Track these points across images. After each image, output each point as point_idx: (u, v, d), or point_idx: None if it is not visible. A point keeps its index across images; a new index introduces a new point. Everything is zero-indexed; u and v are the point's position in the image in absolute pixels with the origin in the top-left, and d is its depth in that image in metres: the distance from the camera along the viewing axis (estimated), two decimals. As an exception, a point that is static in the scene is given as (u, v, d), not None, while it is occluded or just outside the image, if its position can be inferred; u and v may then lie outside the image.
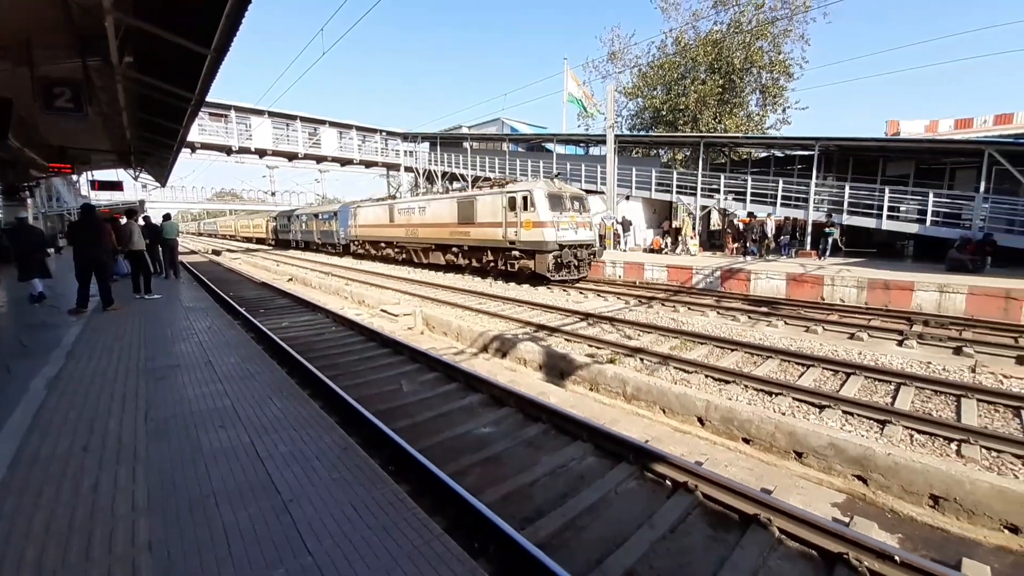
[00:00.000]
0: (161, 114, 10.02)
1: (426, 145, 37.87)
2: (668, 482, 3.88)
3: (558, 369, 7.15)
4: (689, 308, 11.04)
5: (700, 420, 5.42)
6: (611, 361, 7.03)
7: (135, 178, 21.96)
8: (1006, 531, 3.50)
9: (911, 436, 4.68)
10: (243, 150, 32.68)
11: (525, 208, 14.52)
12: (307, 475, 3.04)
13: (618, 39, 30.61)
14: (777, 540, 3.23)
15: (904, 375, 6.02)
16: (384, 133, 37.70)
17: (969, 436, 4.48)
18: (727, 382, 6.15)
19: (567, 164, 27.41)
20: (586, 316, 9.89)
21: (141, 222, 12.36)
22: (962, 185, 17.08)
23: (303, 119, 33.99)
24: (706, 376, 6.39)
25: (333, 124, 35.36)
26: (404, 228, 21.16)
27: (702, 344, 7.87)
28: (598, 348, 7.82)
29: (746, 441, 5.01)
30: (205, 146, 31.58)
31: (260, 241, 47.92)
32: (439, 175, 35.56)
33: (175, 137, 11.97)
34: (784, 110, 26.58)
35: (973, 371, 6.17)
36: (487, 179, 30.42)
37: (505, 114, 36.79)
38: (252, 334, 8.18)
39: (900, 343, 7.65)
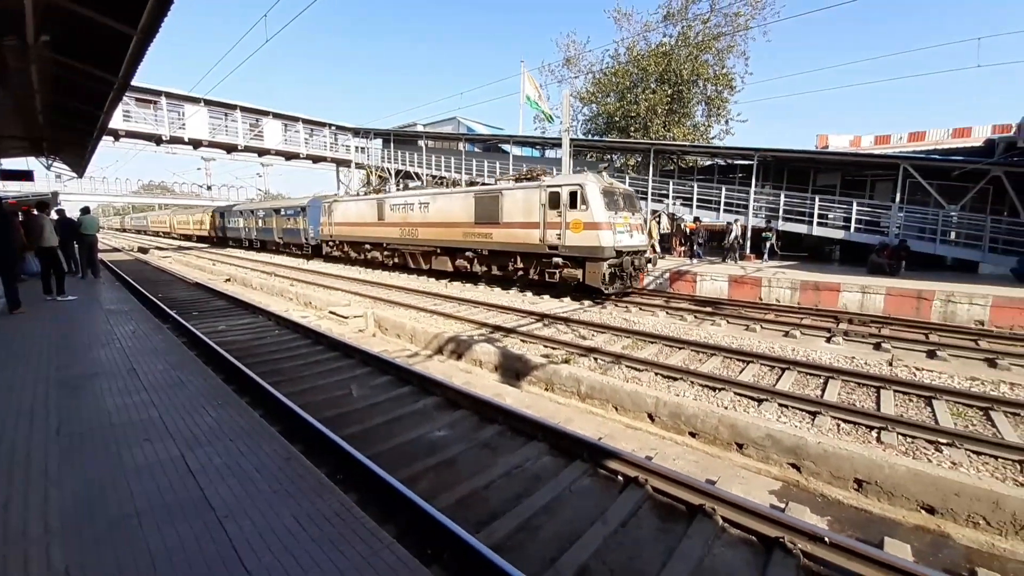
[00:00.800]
0: (80, 98, 9.07)
1: (379, 142, 36.83)
2: (620, 477, 3.96)
3: (514, 370, 7.15)
4: (640, 308, 11.41)
5: (650, 416, 5.60)
6: (566, 361, 7.12)
7: (48, 167, 19.84)
8: (923, 511, 3.86)
9: (838, 425, 5.06)
10: (175, 140, 30.33)
11: (573, 206, 11.88)
12: (245, 489, 2.83)
13: (573, 45, 31.27)
14: (721, 528, 3.37)
15: (832, 369, 6.53)
16: (334, 127, 36.29)
17: (888, 424, 4.92)
18: (675, 379, 6.39)
19: (523, 166, 27.63)
20: (542, 317, 9.97)
21: (54, 216, 11.14)
22: (881, 195, 18.84)
23: (244, 109, 32.02)
24: (656, 374, 6.61)
25: (277, 116, 33.59)
26: (398, 228, 17.65)
27: (652, 343, 8.15)
28: (553, 348, 7.90)
29: (692, 435, 5.23)
30: (131, 134, 29.03)
31: (202, 239, 41.71)
32: (392, 173, 34.70)
33: (95, 123, 10.89)
34: (727, 121, 28.19)
35: (890, 364, 6.79)
36: (442, 179, 30.07)
37: (461, 113, 36.52)
38: (184, 339, 7.58)
39: (828, 340, 8.29)
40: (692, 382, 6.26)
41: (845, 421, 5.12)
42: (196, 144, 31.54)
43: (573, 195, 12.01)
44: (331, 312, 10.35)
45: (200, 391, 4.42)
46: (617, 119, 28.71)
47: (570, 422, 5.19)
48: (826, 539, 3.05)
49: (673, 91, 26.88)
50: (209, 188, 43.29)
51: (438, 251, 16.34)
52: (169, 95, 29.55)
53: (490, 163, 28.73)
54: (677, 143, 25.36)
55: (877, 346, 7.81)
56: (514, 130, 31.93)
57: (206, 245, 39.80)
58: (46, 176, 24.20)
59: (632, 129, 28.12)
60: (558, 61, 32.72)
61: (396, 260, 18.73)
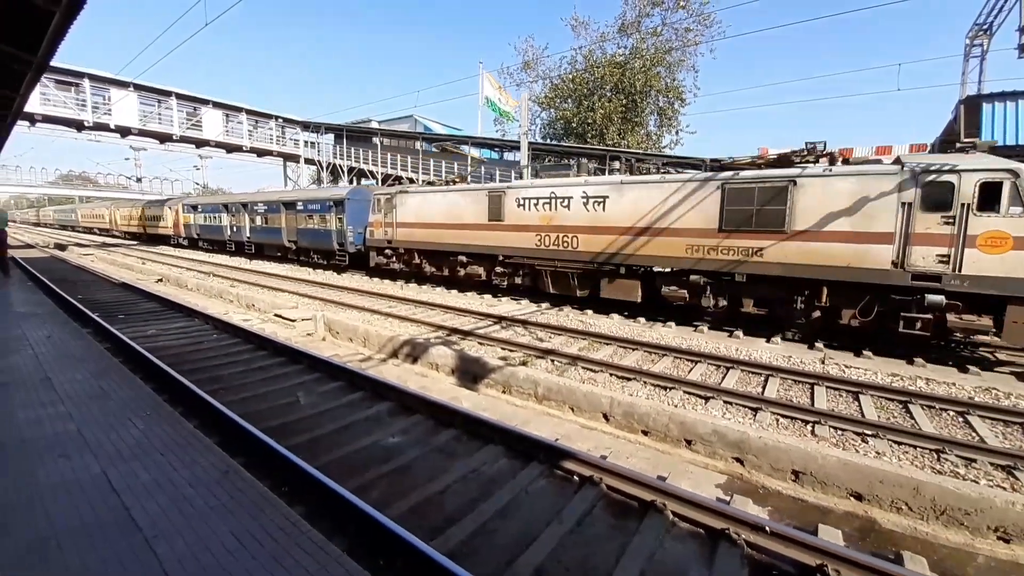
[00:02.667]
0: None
1: (330, 137, 35.55)
2: (576, 477, 4.00)
3: (471, 373, 7.07)
4: (596, 311, 11.65)
5: (605, 416, 5.71)
6: (523, 363, 7.14)
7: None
8: (852, 499, 4.16)
9: (777, 420, 5.38)
10: (99, 126, 27.84)
11: (990, 207, 6.92)
12: (176, 506, 2.60)
13: (532, 49, 31.65)
14: (671, 523, 3.48)
15: (771, 367, 6.94)
16: (281, 120, 34.63)
17: (821, 418, 5.29)
18: (629, 379, 6.56)
19: (482, 167, 27.57)
20: (500, 319, 9.95)
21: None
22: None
23: (180, 96, 29.87)
24: (611, 375, 6.76)
25: (218, 105, 31.60)
26: (535, 233, 11.82)
27: (607, 344, 8.33)
28: (511, 351, 7.89)
29: (645, 433, 5.38)
30: (49, 119, 26.37)
31: (155, 238, 33.78)
32: (345, 170, 33.58)
33: (9, 107, 9.77)
34: (677, 132, 29.57)
35: (823, 363, 7.31)
36: (398, 178, 29.45)
37: (418, 111, 35.93)
38: (107, 344, 6.91)
39: (768, 340, 8.82)
40: (645, 382, 6.45)
41: (784, 416, 5.45)
42: (124, 132, 29.08)
43: (992, 189, 6.90)
44: (277, 315, 9.82)
45: (125, 402, 4.05)
46: (574, 125, 29.35)
47: (527, 424, 5.19)
48: (767, 528, 3.22)
49: (627, 100, 27.83)
50: (139, 180, 39.99)
51: (621, 270, 10.57)
52: (93, 77, 27.07)
53: (448, 163, 28.48)
54: (631, 151, 26.27)
55: (811, 345, 8.40)
56: (473, 131, 31.83)
57: (137, 243, 34.95)
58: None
59: (589, 135, 28.84)
60: (517, 64, 33.03)
61: (520, 280, 12.62)
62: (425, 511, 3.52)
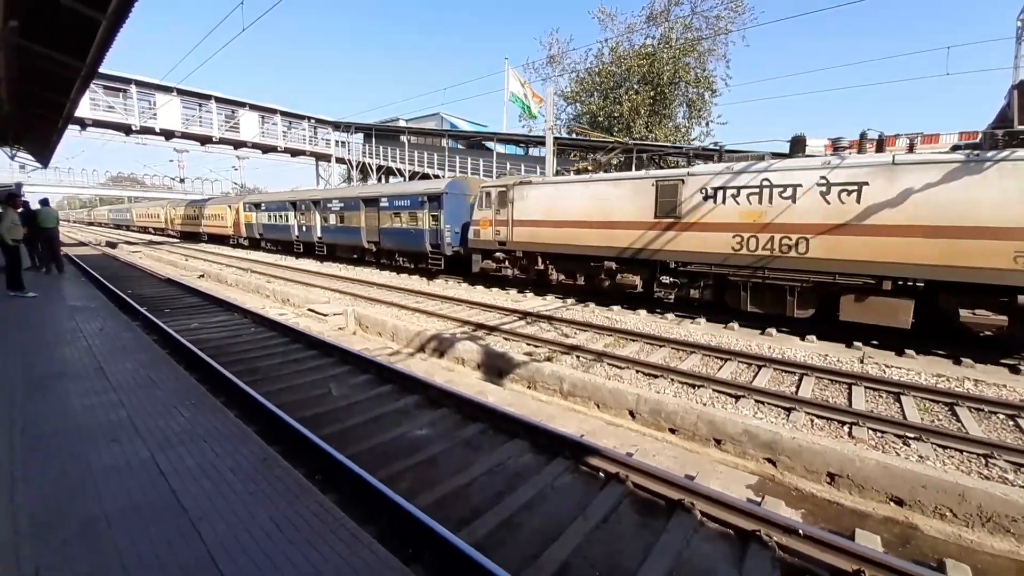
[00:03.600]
0: (45, 85, 8.68)
1: (360, 136, 36.30)
2: (601, 474, 3.99)
3: (496, 368, 7.13)
4: (623, 307, 11.52)
5: (631, 413, 5.66)
6: (548, 359, 7.14)
7: (12, 157, 18.92)
8: (892, 503, 4.00)
9: (812, 421, 5.21)
10: (145, 130, 29.33)
11: None
12: (219, 491, 2.75)
13: (557, 43, 31.33)
14: (699, 523, 3.43)
15: (806, 366, 6.71)
16: (313, 120, 35.62)
17: (859, 419, 5.08)
18: (656, 376, 6.48)
19: (507, 163, 27.60)
20: (525, 315, 9.98)
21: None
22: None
23: (219, 99, 31.13)
24: (637, 371, 6.68)
25: (254, 107, 32.77)
26: (732, 234, 9.08)
27: (634, 341, 8.24)
28: (536, 347, 7.91)
29: (672, 431, 5.31)
30: (99, 123, 27.97)
31: (222, 239, 31.89)
32: (374, 168, 34.25)
33: (61, 111, 10.45)
34: (707, 124, 28.72)
35: (862, 362, 7.01)
36: (424, 175, 29.83)
37: (444, 109, 36.23)
38: (154, 337, 7.32)
39: (803, 338, 8.52)
40: (672, 379, 6.35)
41: (818, 417, 5.27)
42: (168, 135, 30.56)
43: None
44: (310, 310, 10.15)
45: (172, 391, 4.29)
46: (600, 119, 28.93)
47: (552, 420, 5.20)
48: (800, 531, 3.14)
49: (655, 92, 27.21)
50: (182, 181, 41.92)
51: (884, 284, 7.68)
52: (139, 83, 28.52)
53: (473, 160, 28.62)
54: (657, 144, 25.71)
55: (849, 344, 8.06)
56: (498, 127, 31.88)
57: (189, 243, 35.06)
58: (9, 166, 23.08)
59: (615, 129, 28.38)
60: (542, 59, 32.78)
61: (698, 293, 9.83)
62: (452, 503, 3.58)
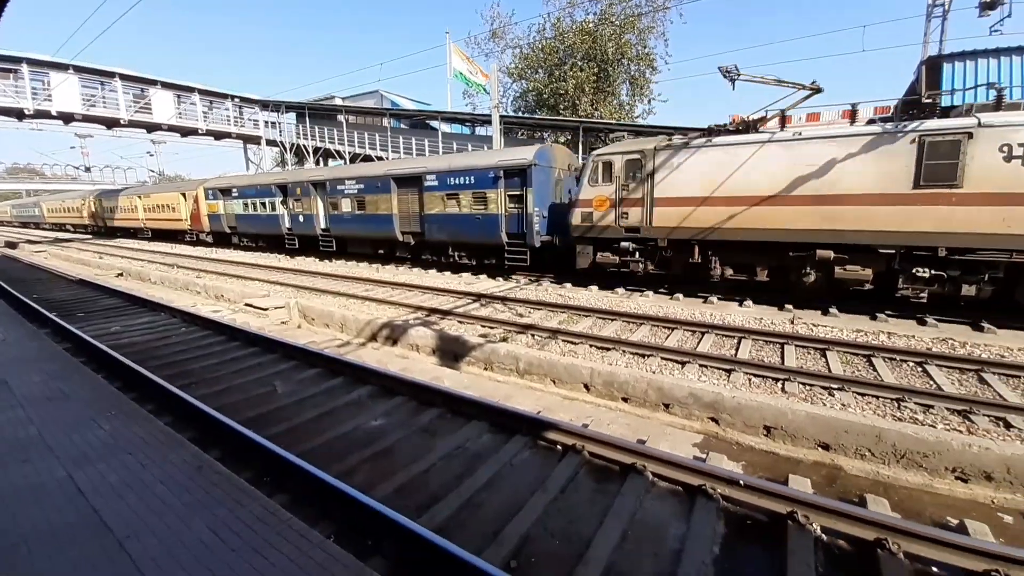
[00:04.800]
0: None
1: (292, 116, 33.97)
2: (559, 447, 4.07)
3: (452, 352, 7.06)
4: (574, 284, 11.71)
5: (586, 386, 5.81)
6: (504, 339, 7.15)
7: None
8: (820, 449, 4.38)
9: (749, 380, 5.57)
10: (40, 114, 25.83)
11: None
12: (147, 505, 2.53)
13: (499, 17, 30.61)
14: (650, 483, 3.59)
15: (744, 330, 7.15)
16: (237, 99, 32.67)
17: (790, 375, 5.50)
18: (608, 349, 6.67)
19: (453, 143, 26.98)
20: (478, 297, 9.91)
21: None
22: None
23: (124, 77, 27.77)
24: (591, 346, 6.84)
25: (168, 85, 29.53)
26: None
27: (587, 316, 8.41)
28: (491, 328, 7.89)
29: (625, 400, 5.51)
30: (-16, 108, 24.32)
31: (172, 235, 26.85)
32: (310, 150, 32.30)
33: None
34: (650, 101, 29.33)
35: (792, 323, 7.57)
36: (367, 157, 28.57)
37: (383, 86, 34.60)
38: (66, 344, 6.60)
39: (740, 304, 9.06)
40: (624, 351, 6.56)
41: (755, 376, 5.65)
42: (67, 118, 27.06)
43: None
44: (248, 304, 9.53)
45: (88, 402, 3.88)
46: (546, 96, 28.77)
47: (510, 399, 5.23)
48: (741, 482, 3.36)
49: (599, 69, 27.36)
50: (88, 170, 37.48)
51: None
52: (31, 62, 24.93)
53: (418, 140, 27.70)
54: (604, 121, 26.00)
55: (781, 307, 8.67)
56: (442, 106, 30.91)
57: (96, 238, 30.90)
58: None
59: (561, 107, 28.37)
60: (484, 33, 31.94)
61: (976, 290, 7.45)
62: (410, 491, 3.53)
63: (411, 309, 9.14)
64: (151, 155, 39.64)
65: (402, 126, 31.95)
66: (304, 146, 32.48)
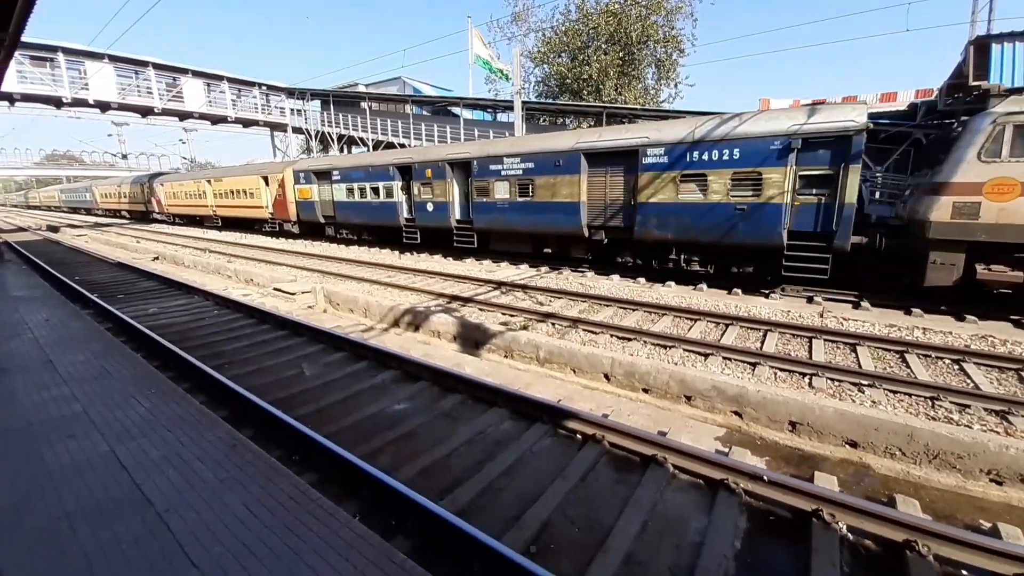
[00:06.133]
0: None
1: (317, 104, 34.34)
2: (579, 436, 4.09)
3: (472, 339, 7.12)
4: (596, 273, 11.61)
5: (606, 376, 5.79)
6: (524, 328, 7.17)
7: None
8: (847, 446, 4.27)
9: (775, 374, 5.46)
10: (78, 102, 26.81)
11: None
12: (186, 480, 2.66)
13: None
14: (671, 475, 3.58)
15: (770, 323, 6.98)
16: (264, 87, 33.19)
17: (818, 370, 5.35)
18: (629, 340, 6.61)
19: (475, 130, 26.87)
20: (499, 284, 9.94)
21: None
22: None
23: (157, 66, 28.54)
24: (611, 336, 6.80)
25: (198, 74, 30.22)
26: None
27: (608, 306, 8.35)
28: (511, 316, 7.92)
29: (645, 391, 5.47)
30: (27, 97, 25.39)
31: (247, 224, 24.84)
32: (334, 138, 32.65)
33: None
34: (676, 85, 28.48)
35: (821, 316, 7.34)
36: (390, 144, 28.71)
37: (405, 72, 34.53)
38: (107, 325, 6.94)
39: (767, 296, 8.83)
40: (645, 341, 6.50)
41: (781, 369, 5.52)
42: (104, 107, 28.04)
43: None
44: (276, 289, 9.80)
45: (129, 380, 4.08)
46: (569, 81, 28.26)
47: (530, 387, 5.26)
48: (764, 477, 3.31)
49: (624, 53, 26.66)
50: (125, 157, 38.86)
51: None
52: (67, 51, 25.82)
53: (440, 127, 27.66)
54: (628, 107, 25.40)
55: (810, 300, 8.42)
56: (464, 92, 30.70)
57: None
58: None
59: (585, 92, 27.82)
60: (507, 17, 31.47)
61: None
62: (433, 473, 3.61)
63: (432, 295, 9.24)
64: (183, 142, 40.73)
65: (424, 113, 31.93)
66: (329, 133, 32.86)
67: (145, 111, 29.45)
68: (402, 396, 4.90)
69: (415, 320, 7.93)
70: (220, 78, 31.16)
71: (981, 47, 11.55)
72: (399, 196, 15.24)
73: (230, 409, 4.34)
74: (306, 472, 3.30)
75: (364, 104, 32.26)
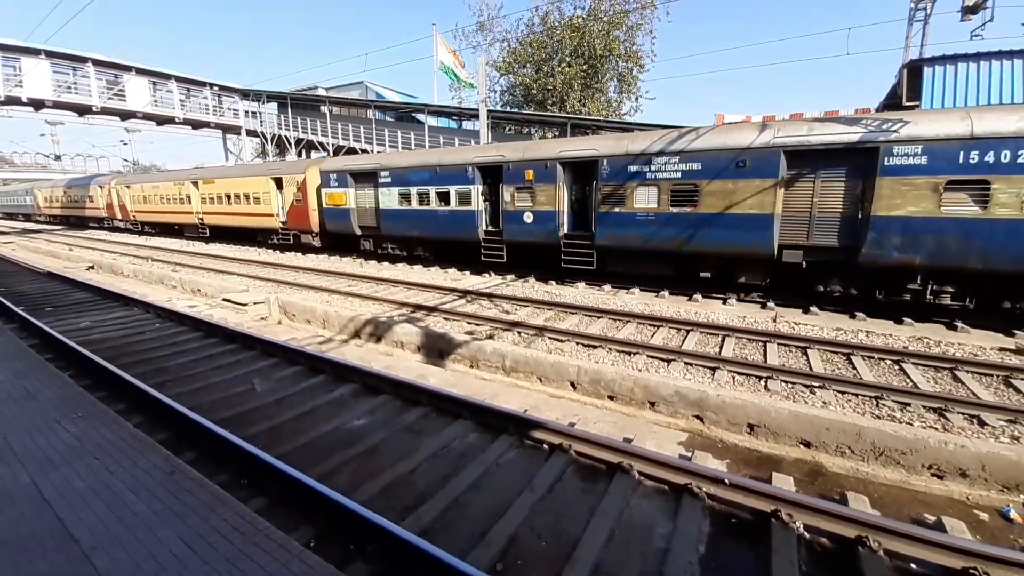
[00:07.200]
0: None
1: (273, 106, 33.15)
2: (545, 446, 4.04)
3: (437, 349, 6.97)
4: (561, 282, 11.68)
5: (573, 384, 5.79)
6: (490, 337, 7.09)
7: None
8: (802, 446, 4.43)
9: (733, 378, 5.62)
10: (11, 100, 24.73)
11: None
12: (115, 513, 2.41)
13: (487, 8, 30.34)
14: (637, 482, 3.58)
15: (728, 328, 7.22)
16: (216, 88, 31.68)
17: (773, 373, 5.56)
18: (595, 347, 6.66)
19: (440, 137, 26.71)
20: (464, 293, 9.82)
21: None
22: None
23: (98, 62, 26.72)
24: (577, 343, 6.83)
25: (143, 72, 28.48)
26: None
27: (573, 314, 8.40)
28: (477, 325, 7.82)
29: (611, 398, 5.50)
30: (-52, 92, 23.15)
31: (244, 235, 20.59)
32: (292, 142, 31.55)
33: None
34: (637, 99, 29.46)
35: (774, 321, 7.67)
36: (351, 150, 28.07)
37: (368, 77, 33.98)
38: (34, 341, 6.32)
39: (724, 302, 9.16)
40: (610, 349, 6.56)
41: (739, 373, 5.70)
42: (38, 105, 25.96)
43: None
44: (226, 300, 9.26)
45: (54, 403, 3.70)
46: (534, 91, 28.65)
47: (496, 397, 5.18)
48: (726, 481, 3.37)
49: (587, 66, 27.33)
50: (59, 158, 35.97)
51: None
52: (2, 47, 23.80)
53: (404, 133, 27.32)
54: (592, 118, 26.01)
55: (764, 305, 8.80)
56: (428, 98, 30.51)
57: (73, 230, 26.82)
58: None
59: (549, 102, 28.29)
60: (472, 25, 31.61)
61: None
62: (396, 492, 3.46)
63: (395, 305, 9.00)
64: (124, 144, 38.17)
65: (387, 119, 31.46)
66: (286, 137, 31.75)
67: (83, 110, 27.46)
68: (362, 411, 4.69)
69: (377, 331, 7.68)
70: (167, 77, 29.53)
71: (914, 70, 12.60)
72: (478, 203, 12.29)
73: (170, 431, 4.01)
74: (255, 498, 3.07)
75: (324, 108, 31.44)
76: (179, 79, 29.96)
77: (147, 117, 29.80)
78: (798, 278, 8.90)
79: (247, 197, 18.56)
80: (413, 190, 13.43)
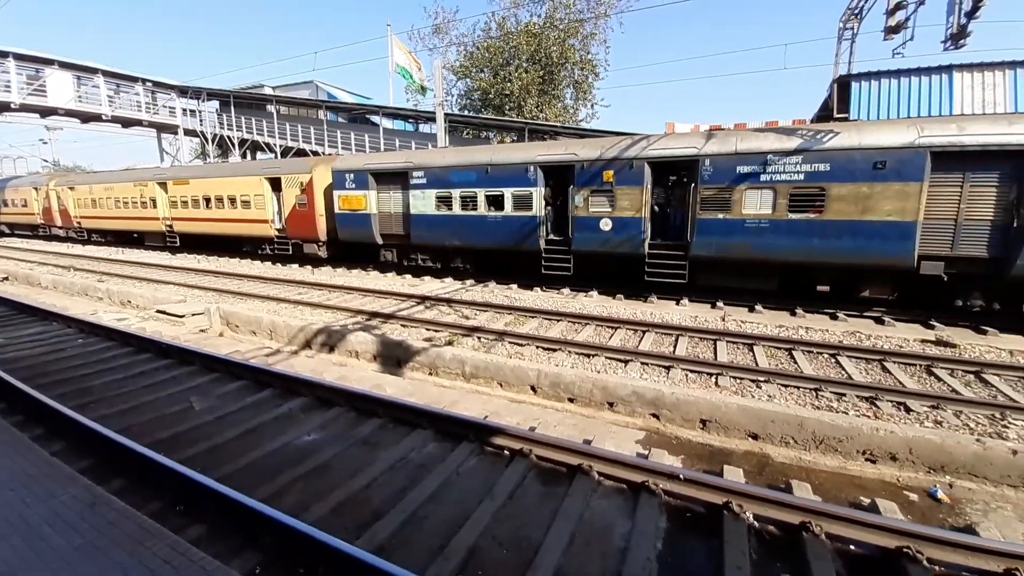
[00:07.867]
0: None
1: (215, 104, 31.35)
2: (506, 452, 4.00)
3: (394, 357, 6.79)
4: (520, 286, 11.71)
5: (533, 388, 5.80)
6: (449, 343, 6.98)
7: None
8: (750, 439, 4.65)
9: (687, 376, 5.83)
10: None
11: None
12: (32, 549, 2.14)
13: (443, 12, 30.20)
14: (597, 483, 3.61)
15: (680, 328, 7.49)
16: (150, 84, 29.44)
17: (723, 370, 5.81)
18: (555, 350, 6.70)
19: (396, 140, 26.23)
20: (423, 299, 9.63)
21: None
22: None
23: (17, 56, 24.28)
24: (537, 347, 6.85)
25: (66, 65, 26.05)
26: None
27: (533, 317, 8.43)
28: (436, 331, 7.68)
29: (571, 400, 5.56)
30: None
31: (236, 243, 17.56)
32: (235, 142, 29.92)
33: None
34: (593, 106, 30.22)
35: (723, 320, 8.04)
36: (300, 151, 27.02)
37: (319, 77, 32.87)
38: (-71, 361, 5.57)
39: (678, 303, 9.50)
40: (569, 351, 6.63)
41: (692, 371, 5.92)
42: (-57, 100, 23.17)
43: None
44: (160, 311, 8.60)
45: (-49, 432, 3.26)
46: (492, 96, 28.73)
47: (456, 404, 5.09)
48: (680, 476, 3.47)
49: (544, 72, 27.75)
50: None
51: None
52: None
53: (357, 135, 26.59)
54: (550, 124, 26.39)
55: (713, 305, 9.21)
56: (383, 100, 29.89)
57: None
58: None
59: (507, 107, 28.46)
60: (428, 27, 31.32)
61: None
62: (349, 509, 3.30)
63: (350, 313, 8.70)
64: (44, 143, 34.79)
65: (340, 120, 30.52)
66: (229, 137, 30.08)
67: (0, 107, 24.76)
68: (313, 425, 4.47)
69: (330, 340, 7.38)
70: (94, 71, 27.17)
71: (843, 85, 13.69)
72: (539, 209, 10.82)
73: (95, 457, 3.63)
74: (192, 526, 2.83)
75: (271, 107, 30.08)
76: (107, 73, 27.65)
77: (69, 114, 27.26)
78: (934, 291, 8.18)
79: (233, 200, 16.15)
80: (455, 192, 11.67)
